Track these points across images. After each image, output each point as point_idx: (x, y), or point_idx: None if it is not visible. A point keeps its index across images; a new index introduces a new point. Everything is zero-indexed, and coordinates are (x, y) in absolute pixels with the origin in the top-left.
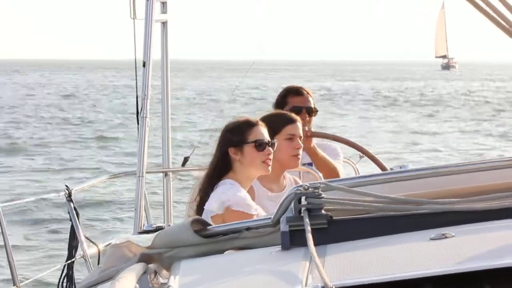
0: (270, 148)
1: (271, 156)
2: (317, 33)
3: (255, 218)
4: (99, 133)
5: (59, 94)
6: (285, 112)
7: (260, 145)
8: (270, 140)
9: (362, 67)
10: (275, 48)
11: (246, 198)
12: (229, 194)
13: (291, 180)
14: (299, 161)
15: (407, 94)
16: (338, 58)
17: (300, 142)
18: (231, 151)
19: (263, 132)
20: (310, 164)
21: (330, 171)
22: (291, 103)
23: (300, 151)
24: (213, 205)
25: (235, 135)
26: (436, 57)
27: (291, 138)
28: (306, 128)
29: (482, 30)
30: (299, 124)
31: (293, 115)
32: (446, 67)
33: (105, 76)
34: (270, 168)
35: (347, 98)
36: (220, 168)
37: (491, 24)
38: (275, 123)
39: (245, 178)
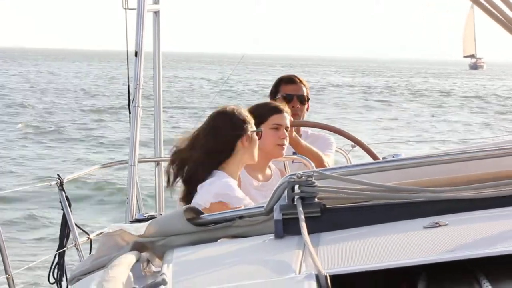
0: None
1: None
2: (314, 28)
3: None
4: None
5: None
6: (272, 102)
7: (275, 129)
8: (256, 129)
9: (388, 65)
10: (272, 42)
11: (240, 193)
12: (226, 189)
13: (276, 170)
14: (284, 150)
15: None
16: (335, 53)
17: (286, 133)
18: (244, 138)
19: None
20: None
21: (316, 161)
22: (283, 91)
23: (286, 141)
24: (206, 199)
25: (255, 120)
26: (464, 56)
27: (277, 127)
28: (292, 119)
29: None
30: (286, 114)
31: (280, 105)
32: (474, 67)
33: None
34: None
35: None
36: (217, 157)
37: (492, 21)
38: (262, 112)
39: (236, 169)
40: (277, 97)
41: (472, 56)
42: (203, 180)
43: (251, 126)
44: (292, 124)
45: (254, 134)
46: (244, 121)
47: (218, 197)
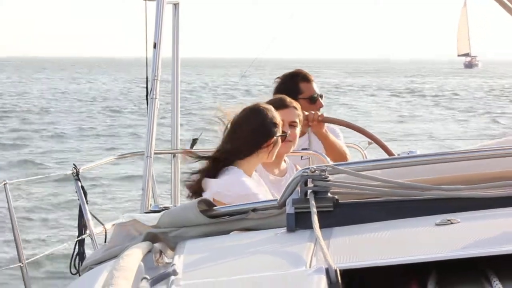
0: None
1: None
2: (317, 33)
3: None
4: None
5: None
6: (283, 96)
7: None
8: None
9: (384, 65)
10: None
11: (252, 189)
12: (239, 185)
13: (292, 165)
14: (289, 147)
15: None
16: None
17: (288, 128)
18: (271, 141)
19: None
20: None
21: (340, 156)
22: (306, 91)
23: (293, 137)
24: (217, 191)
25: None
26: (459, 55)
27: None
28: (318, 113)
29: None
30: (294, 110)
31: (289, 100)
32: (469, 65)
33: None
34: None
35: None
36: (240, 154)
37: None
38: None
39: (252, 167)
40: (300, 97)
41: (466, 54)
42: (217, 173)
43: (279, 130)
44: (324, 120)
45: (279, 138)
46: (275, 125)
47: (239, 198)
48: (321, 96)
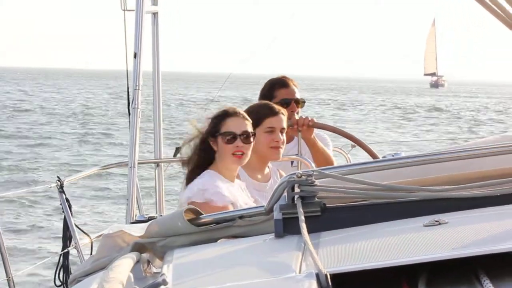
0: (240, 141)
1: (244, 149)
2: (298, 50)
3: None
4: None
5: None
6: (268, 103)
7: (228, 137)
8: (247, 131)
9: (361, 83)
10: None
11: (221, 188)
12: (205, 184)
13: (275, 169)
14: (279, 153)
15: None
16: (313, 73)
17: (280, 136)
18: (210, 140)
19: (238, 123)
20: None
21: (327, 162)
22: (279, 96)
23: (281, 144)
24: (187, 195)
25: (212, 125)
26: (425, 74)
27: (272, 130)
28: (309, 118)
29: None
30: (282, 116)
31: (277, 107)
32: (435, 85)
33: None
34: (242, 160)
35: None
36: (203, 158)
37: (492, 17)
38: (257, 115)
39: (225, 169)
40: (273, 102)
41: (433, 74)
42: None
43: (219, 128)
44: (314, 126)
45: (219, 136)
46: (211, 123)
47: (198, 190)
48: (296, 101)
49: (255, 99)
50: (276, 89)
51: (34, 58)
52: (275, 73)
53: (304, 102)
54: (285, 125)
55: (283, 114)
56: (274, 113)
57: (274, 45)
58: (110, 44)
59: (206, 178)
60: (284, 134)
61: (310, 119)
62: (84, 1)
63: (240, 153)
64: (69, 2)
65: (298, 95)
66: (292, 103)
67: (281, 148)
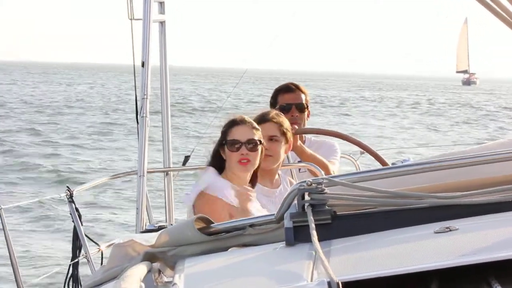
0: (245, 149)
1: (250, 157)
2: (314, 45)
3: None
4: None
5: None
6: (264, 111)
7: (233, 145)
8: (253, 139)
9: (390, 81)
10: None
11: (223, 186)
12: (207, 180)
13: (285, 177)
14: (272, 162)
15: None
16: (324, 69)
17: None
18: (220, 149)
19: (243, 131)
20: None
21: (322, 169)
22: (281, 101)
23: (273, 152)
24: (191, 194)
25: (221, 135)
26: (457, 72)
27: (233, 143)
28: (296, 127)
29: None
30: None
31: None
32: (467, 82)
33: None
34: (248, 168)
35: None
36: (215, 167)
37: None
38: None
39: (235, 177)
40: (275, 108)
41: (465, 71)
42: None
43: (225, 136)
44: (296, 132)
45: (226, 144)
46: (221, 132)
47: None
48: (298, 106)
49: (259, 93)
50: (279, 94)
51: (34, 58)
52: (280, 69)
53: (307, 107)
54: (274, 132)
55: (275, 122)
56: (264, 120)
57: (284, 41)
58: (110, 44)
59: (214, 174)
60: (280, 143)
61: (291, 127)
62: (84, 1)
63: (245, 160)
64: (70, 2)
65: (302, 100)
66: (292, 108)
67: (269, 156)
